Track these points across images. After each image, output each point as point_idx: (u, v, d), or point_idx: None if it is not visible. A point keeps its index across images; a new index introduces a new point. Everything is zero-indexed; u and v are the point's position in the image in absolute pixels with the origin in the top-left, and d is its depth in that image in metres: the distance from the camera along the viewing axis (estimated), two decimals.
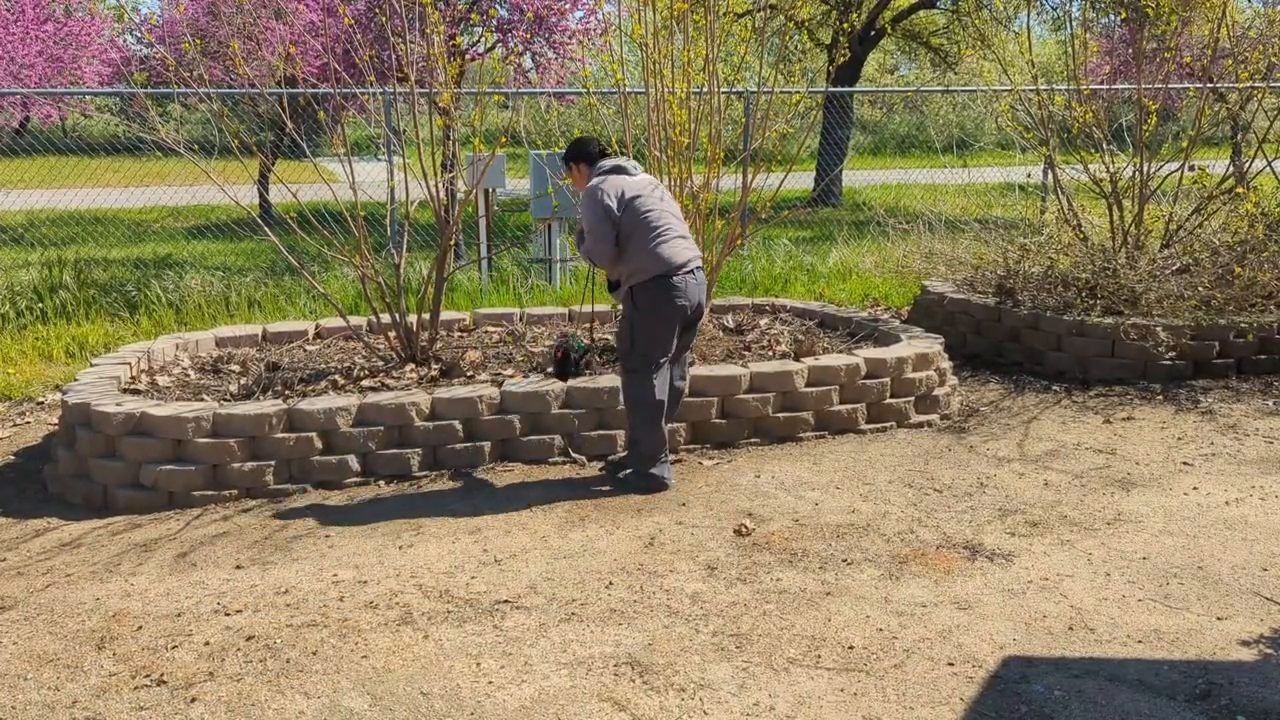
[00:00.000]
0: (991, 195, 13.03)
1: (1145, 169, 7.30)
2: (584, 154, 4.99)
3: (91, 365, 5.63)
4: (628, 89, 6.37)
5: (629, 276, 4.75)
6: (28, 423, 6.05)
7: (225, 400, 5.14)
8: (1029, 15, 14.06)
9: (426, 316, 5.78)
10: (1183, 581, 3.93)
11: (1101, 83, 11.43)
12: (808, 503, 4.70)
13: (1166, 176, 7.50)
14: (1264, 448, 5.40)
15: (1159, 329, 6.36)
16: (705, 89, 6.15)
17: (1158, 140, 7.96)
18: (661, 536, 4.36)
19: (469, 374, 5.53)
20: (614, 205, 4.68)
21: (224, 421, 4.79)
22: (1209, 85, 7.96)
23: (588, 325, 6.24)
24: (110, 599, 3.86)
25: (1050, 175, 8.89)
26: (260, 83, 9.80)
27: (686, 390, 5.15)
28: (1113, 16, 14.79)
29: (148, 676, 3.32)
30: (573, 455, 5.21)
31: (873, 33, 16.55)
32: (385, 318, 5.77)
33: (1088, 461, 5.24)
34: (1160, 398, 6.24)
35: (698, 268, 4.83)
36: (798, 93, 7.62)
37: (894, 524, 4.46)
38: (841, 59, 10.54)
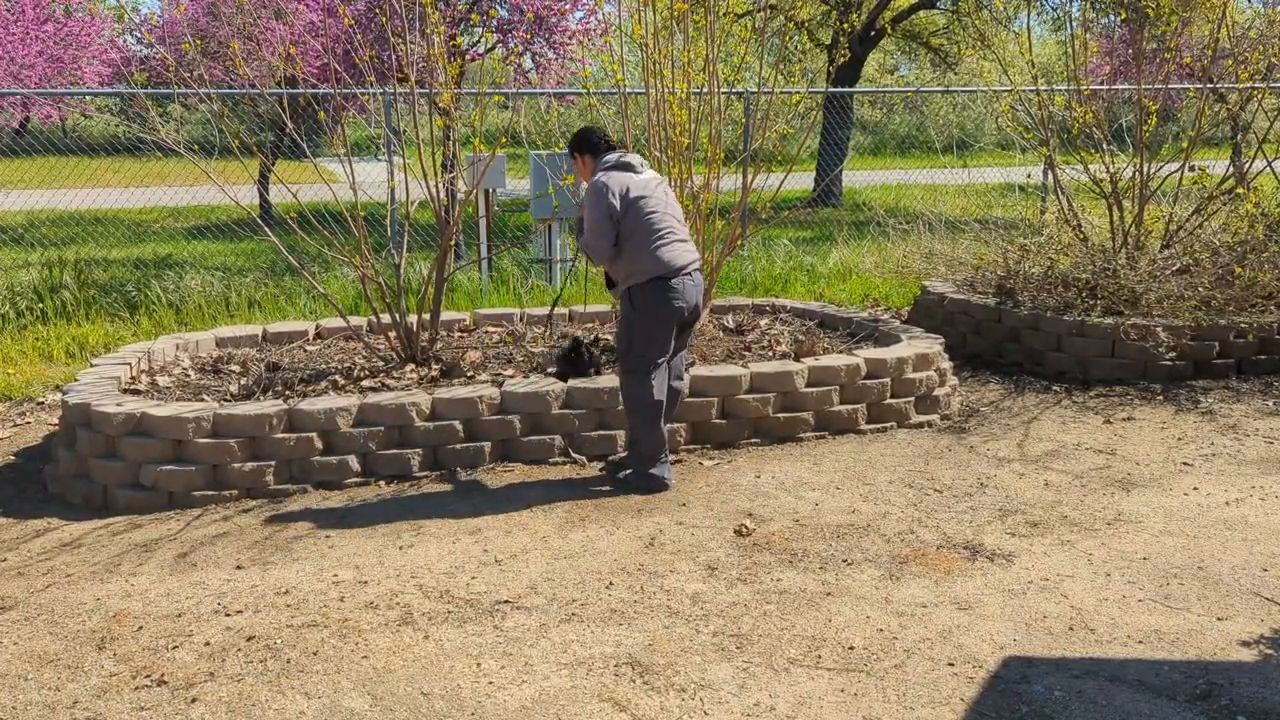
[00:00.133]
0: (991, 195, 13.03)
1: (1145, 169, 7.30)
2: (589, 145, 4.96)
3: (91, 365, 5.63)
4: (628, 89, 6.37)
5: (627, 277, 4.75)
6: (28, 423, 6.05)
7: (225, 400, 5.14)
8: (1029, 15, 14.08)
9: (427, 317, 5.78)
10: (1183, 582, 3.93)
11: (1101, 83, 11.44)
12: (808, 503, 4.70)
13: (1167, 177, 7.50)
14: (1264, 448, 5.40)
15: (1159, 329, 6.37)
16: (705, 89, 6.15)
17: (1158, 140, 7.97)
18: (662, 537, 4.36)
19: (469, 374, 5.53)
20: (617, 204, 4.67)
21: (224, 422, 4.79)
22: (1209, 85, 7.96)
23: (592, 325, 6.24)
24: (111, 599, 3.86)
25: (1050, 175, 8.89)
26: (260, 83, 9.80)
27: (685, 390, 5.15)
28: (1113, 17, 14.79)
29: (148, 677, 3.32)
30: (573, 455, 5.21)
31: (873, 33, 16.55)
32: (385, 318, 5.77)
33: (1088, 462, 5.24)
34: (1160, 398, 6.24)
35: (696, 269, 4.83)
36: (798, 93, 7.62)
37: (894, 524, 4.46)
38: (841, 59, 10.50)
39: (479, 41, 13.08)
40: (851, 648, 3.46)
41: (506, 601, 3.79)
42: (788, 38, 17.39)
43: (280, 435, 4.83)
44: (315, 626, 3.62)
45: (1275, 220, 7.46)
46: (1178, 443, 5.50)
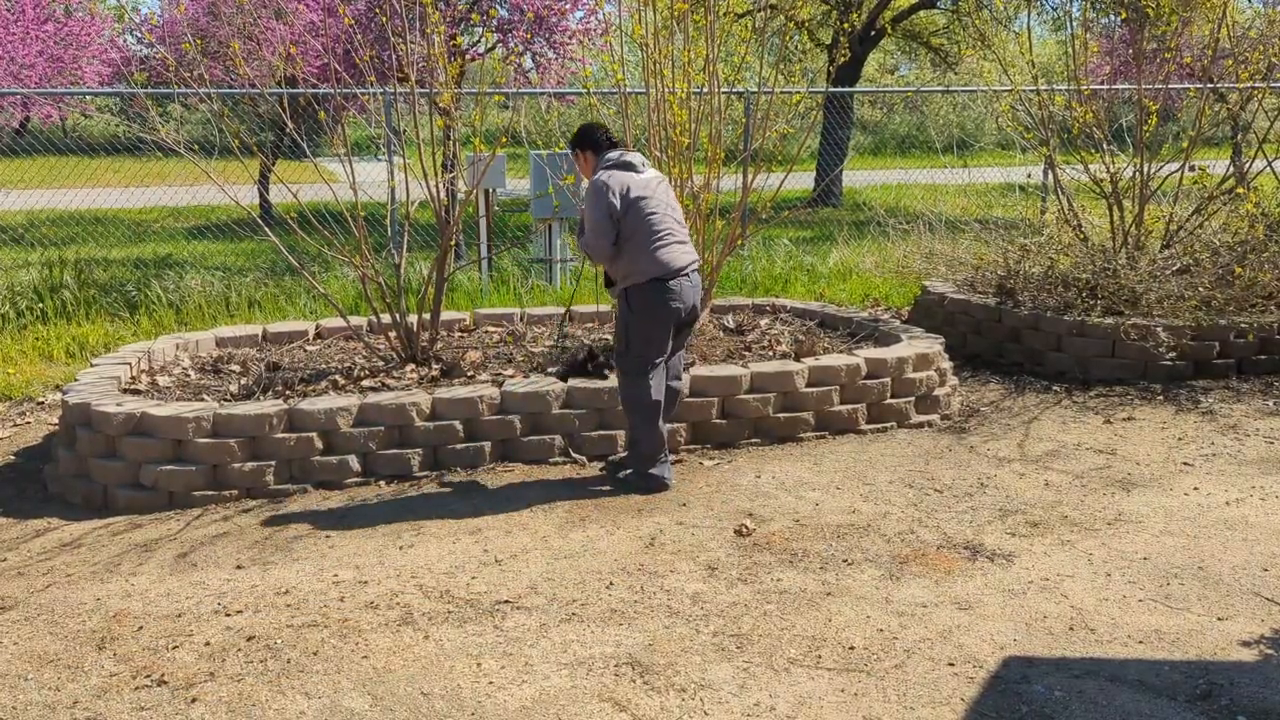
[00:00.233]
0: (992, 195, 13.03)
1: (1145, 169, 7.30)
2: (591, 141, 4.94)
3: (91, 365, 5.63)
4: (628, 89, 6.36)
5: (625, 277, 4.75)
6: (28, 423, 6.05)
7: (225, 400, 5.13)
8: (1029, 15, 14.07)
9: (427, 317, 5.78)
10: (1183, 582, 3.93)
11: (1102, 83, 11.44)
12: (808, 503, 4.70)
13: (1167, 177, 7.50)
14: (1264, 448, 5.40)
15: (1159, 329, 6.36)
16: (705, 89, 6.15)
17: (1158, 140, 7.96)
18: (662, 537, 4.36)
19: (469, 374, 5.52)
20: (617, 204, 4.67)
21: (224, 421, 4.79)
22: (1209, 85, 7.96)
23: (591, 325, 6.24)
24: (111, 599, 3.86)
25: (1050, 175, 8.89)
26: (260, 83, 9.80)
27: (684, 391, 5.15)
28: (1113, 17, 14.79)
29: (148, 677, 3.32)
30: (573, 455, 5.21)
31: (873, 33, 16.55)
32: (385, 318, 5.77)
33: (1088, 462, 5.24)
34: (1160, 398, 6.23)
35: (694, 271, 4.82)
36: (798, 93, 7.61)
37: (894, 524, 4.46)
38: (842, 59, 10.51)
39: (479, 41, 13.08)
40: (852, 648, 3.46)
41: (506, 601, 3.79)
42: (788, 37, 17.39)
43: (280, 435, 4.83)
44: (315, 626, 3.62)
45: (1275, 220, 7.46)
46: (1178, 443, 5.50)
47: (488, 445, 5.13)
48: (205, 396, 5.24)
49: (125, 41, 15.41)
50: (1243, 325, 6.57)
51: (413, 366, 5.59)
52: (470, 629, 3.60)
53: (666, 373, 4.92)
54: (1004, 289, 7.24)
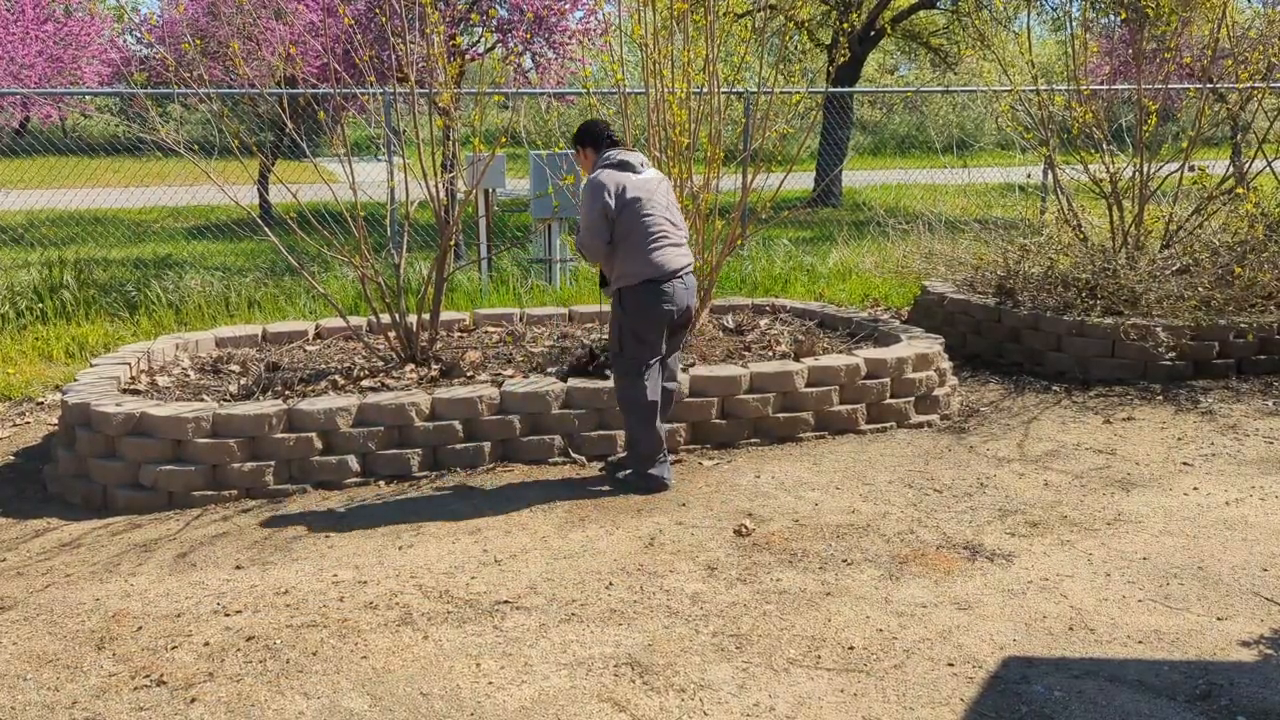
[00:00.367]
0: (991, 195, 13.03)
1: (1145, 169, 7.30)
2: (593, 138, 4.93)
3: (91, 365, 5.63)
4: (628, 89, 6.37)
5: (619, 278, 4.75)
6: (28, 423, 6.05)
7: (225, 400, 5.13)
8: (1029, 15, 14.07)
9: (426, 317, 5.78)
10: (1183, 582, 3.93)
11: (1101, 83, 11.43)
12: (808, 503, 4.70)
13: (1166, 177, 7.50)
14: (1264, 448, 5.40)
15: (1159, 329, 6.36)
16: (705, 89, 6.15)
17: (1158, 140, 7.96)
18: (661, 537, 4.36)
19: (469, 374, 5.52)
20: (612, 203, 4.67)
21: (224, 422, 4.79)
22: (1209, 85, 7.96)
23: (591, 325, 6.24)
24: (110, 599, 3.86)
25: (1050, 175, 8.89)
26: (260, 83, 9.80)
27: (680, 391, 5.15)
28: (1113, 17, 14.79)
29: (147, 677, 3.32)
30: (573, 455, 5.21)
31: (873, 33, 16.55)
32: (385, 318, 5.77)
33: (1088, 462, 5.24)
34: (1160, 398, 6.23)
35: (688, 272, 4.82)
36: (798, 93, 7.61)
37: (894, 524, 4.46)
38: (841, 59, 10.52)
39: (479, 41, 13.08)
40: (851, 648, 3.46)
41: (506, 601, 3.79)
42: (788, 38, 17.39)
43: (280, 435, 4.83)
44: (315, 626, 3.62)
45: (1275, 220, 7.46)
46: (1178, 443, 5.50)
47: (487, 445, 5.13)
48: (205, 397, 5.24)
49: (125, 41, 15.42)
50: (1242, 325, 6.57)
51: (412, 367, 5.59)
52: (470, 629, 3.60)
53: (663, 373, 4.92)
54: (1004, 289, 7.24)
